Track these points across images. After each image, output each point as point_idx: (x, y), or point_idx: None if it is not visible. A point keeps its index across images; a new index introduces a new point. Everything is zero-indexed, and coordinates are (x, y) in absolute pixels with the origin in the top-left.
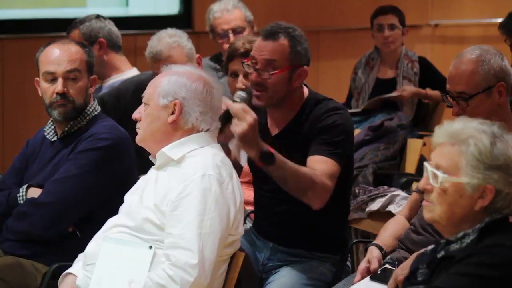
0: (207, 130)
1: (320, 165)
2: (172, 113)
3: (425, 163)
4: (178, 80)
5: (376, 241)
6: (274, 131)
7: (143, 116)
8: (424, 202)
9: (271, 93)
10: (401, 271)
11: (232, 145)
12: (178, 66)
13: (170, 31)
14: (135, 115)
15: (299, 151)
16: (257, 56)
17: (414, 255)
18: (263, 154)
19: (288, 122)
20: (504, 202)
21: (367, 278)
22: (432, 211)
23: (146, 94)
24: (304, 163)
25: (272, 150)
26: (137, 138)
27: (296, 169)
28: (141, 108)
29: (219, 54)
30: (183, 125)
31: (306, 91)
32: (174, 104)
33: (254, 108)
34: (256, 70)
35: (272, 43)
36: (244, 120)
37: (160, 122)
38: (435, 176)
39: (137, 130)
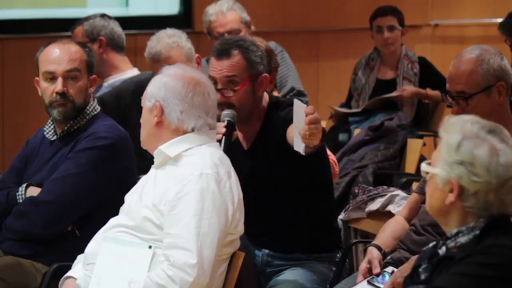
0: (192, 128)
1: None
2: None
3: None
4: (160, 81)
5: (375, 241)
6: (246, 145)
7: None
8: None
9: (239, 108)
10: (400, 274)
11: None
12: (170, 67)
13: (169, 31)
14: (141, 121)
15: (275, 159)
16: (216, 76)
17: (414, 257)
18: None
19: (257, 133)
20: (477, 202)
21: (365, 282)
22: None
23: (142, 99)
24: (281, 170)
25: None
26: (141, 143)
27: None
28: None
29: None
30: (168, 125)
31: (266, 96)
32: (156, 106)
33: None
34: (219, 90)
35: (226, 60)
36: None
37: (149, 125)
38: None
39: None
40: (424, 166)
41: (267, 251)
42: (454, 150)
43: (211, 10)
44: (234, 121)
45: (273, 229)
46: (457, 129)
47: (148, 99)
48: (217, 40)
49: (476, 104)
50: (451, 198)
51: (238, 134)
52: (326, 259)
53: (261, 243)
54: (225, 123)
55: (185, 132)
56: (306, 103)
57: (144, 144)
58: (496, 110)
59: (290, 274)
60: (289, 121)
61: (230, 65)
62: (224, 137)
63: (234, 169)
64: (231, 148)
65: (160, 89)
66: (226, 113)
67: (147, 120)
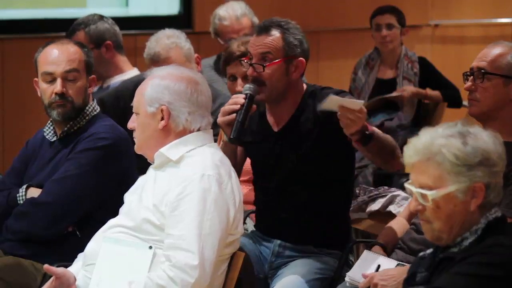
0: (199, 128)
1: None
2: (162, 119)
3: (408, 186)
4: (160, 84)
5: (380, 240)
6: (276, 127)
7: (136, 125)
8: (421, 222)
9: (270, 86)
10: (380, 280)
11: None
12: (161, 68)
13: (168, 31)
14: (130, 125)
15: (305, 145)
16: (252, 51)
17: (402, 268)
18: (364, 136)
19: (290, 117)
20: (494, 192)
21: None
22: (432, 229)
23: (135, 103)
24: (310, 157)
25: (370, 128)
26: (135, 147)
27: (383, 136)
28: (133, 117)
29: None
30: (174, 128)
31: (304, 85)
32: (161, 110)
33: (257, 103)
34: (251, 65)
35: (264, 37)
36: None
37: (151, 129)
38: (424, 196)
39: (134, 139)
40: (434, 193)
41: (279, 241)
42: (464, 158)
43: (223, 13)
44: (254, 96)
45: (290, 217)
46: (439, 143)
47: (149, 104)
48: (225, 43)
49: (489, 87)
50: (477, 202)
51: (268, 115)
52: (335, 256)
53: (274, 232)
54: (245, 95)
55: (190, 133)
56: None
57: (141, 149)
58: (505, 104)
59: (298, 264)
60: (325, 112)
61: (267, 42)
62: (242, 108)
63: (259, 149)
64: (259, 127)
65: (163, 92)
66: (248, 86)
67: (147, 125)
